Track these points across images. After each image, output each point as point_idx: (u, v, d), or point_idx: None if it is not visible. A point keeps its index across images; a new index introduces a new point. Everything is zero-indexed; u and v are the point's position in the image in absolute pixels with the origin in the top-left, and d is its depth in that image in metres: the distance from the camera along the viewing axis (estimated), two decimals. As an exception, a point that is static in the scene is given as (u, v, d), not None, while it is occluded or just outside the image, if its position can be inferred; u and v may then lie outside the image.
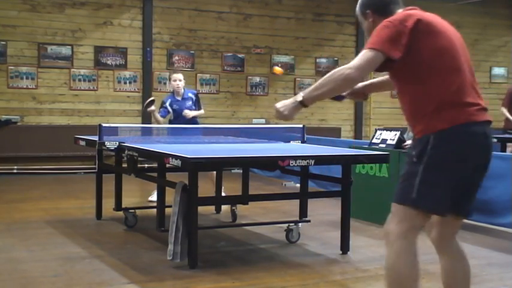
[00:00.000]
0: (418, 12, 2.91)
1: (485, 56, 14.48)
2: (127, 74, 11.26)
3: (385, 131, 6.72)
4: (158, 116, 7.55)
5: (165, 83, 11.52)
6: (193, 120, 7.54)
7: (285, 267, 4.74)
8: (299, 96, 2.97)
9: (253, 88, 12.27)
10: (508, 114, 9.61)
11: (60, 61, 10.76)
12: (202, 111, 7.70)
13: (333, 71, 2.89)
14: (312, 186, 7.36)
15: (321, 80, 2.92)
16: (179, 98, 7.60)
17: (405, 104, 2.96)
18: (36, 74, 10.62)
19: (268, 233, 5.87)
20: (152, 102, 7.46)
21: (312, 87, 2.94)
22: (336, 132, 12.78)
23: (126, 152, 5.42)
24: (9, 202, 7.57)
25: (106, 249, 5.16)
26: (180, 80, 7.59)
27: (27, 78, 10.57)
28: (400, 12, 2.97)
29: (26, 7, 10.54)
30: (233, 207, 6.51)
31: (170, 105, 7.58)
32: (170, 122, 7.63)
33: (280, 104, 3.03)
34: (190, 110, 7.53)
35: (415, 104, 2.90)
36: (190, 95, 7.67)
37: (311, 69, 12.86)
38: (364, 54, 2.84)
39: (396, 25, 2.82)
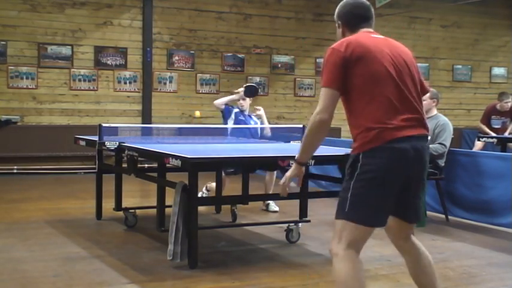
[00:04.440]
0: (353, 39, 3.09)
1: (485, 56, 14.45)
2: (127, 74, 11.26)
3: (385, 131, 6.68)
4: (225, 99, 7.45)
5: (165, 83, 11.52)
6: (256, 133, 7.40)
7: (285, 268, 4.74)
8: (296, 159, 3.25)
9: (253, 88, 12.26)
10: (487, 129, 9.51)
11: (60, 61, 10.75)
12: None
13: (308, 125, 3.10)
14: (312, 186, 7.36)
15: (303, 139, 3.17)
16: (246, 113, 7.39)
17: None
18: (36, 74, 10.62)
19: (268, 233, 5.87)
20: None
21: (300, 148, 3.19)
22: (336, 132, 12.74)
23: (126, 152, 5.42)
24: (9, 202, 7.57)
25: (106, 249, 5.16)
26: (244, 100, 7.35)
27: (27, 78, 10.56)
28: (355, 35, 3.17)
29: (26, 7, 10.53)
30: (233, 207, 6.50)
31: (236, 115, 7.36)
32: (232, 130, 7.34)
33: (284, 177, 3.28)
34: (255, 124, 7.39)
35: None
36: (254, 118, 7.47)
37: (311, 69, 12.86)
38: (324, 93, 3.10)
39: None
